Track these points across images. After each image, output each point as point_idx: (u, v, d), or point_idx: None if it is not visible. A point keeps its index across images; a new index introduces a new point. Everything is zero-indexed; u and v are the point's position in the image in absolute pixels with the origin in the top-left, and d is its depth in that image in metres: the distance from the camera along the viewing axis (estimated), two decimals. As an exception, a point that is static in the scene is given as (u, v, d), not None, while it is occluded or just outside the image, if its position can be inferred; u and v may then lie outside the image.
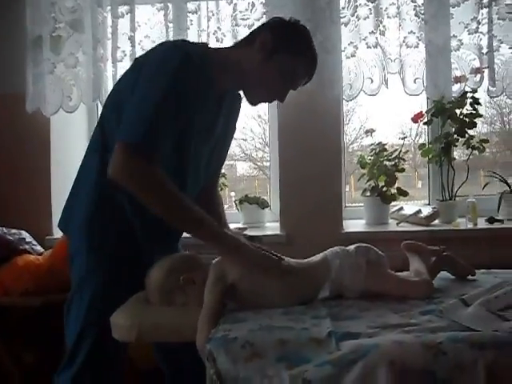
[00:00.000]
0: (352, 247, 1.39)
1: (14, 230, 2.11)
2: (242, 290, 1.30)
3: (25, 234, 2.13)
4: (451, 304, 1.18)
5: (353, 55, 2.31)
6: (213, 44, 2.33)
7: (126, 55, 2.38)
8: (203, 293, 1.29)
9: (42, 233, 2.48)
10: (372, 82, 2.30)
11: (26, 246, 2.06)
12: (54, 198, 2.54)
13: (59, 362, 1.93)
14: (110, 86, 2.37)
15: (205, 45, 1.53)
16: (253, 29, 1.57)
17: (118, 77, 2.30)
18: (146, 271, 1.41)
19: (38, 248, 2.15)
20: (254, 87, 1.50)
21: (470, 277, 1.51)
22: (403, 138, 2.72)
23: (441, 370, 0.97)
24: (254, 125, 3.11)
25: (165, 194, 1.32)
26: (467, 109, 2.51)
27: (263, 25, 1.55)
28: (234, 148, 3.13)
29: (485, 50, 2.26)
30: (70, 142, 2.67)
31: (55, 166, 2.56)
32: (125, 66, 2.35)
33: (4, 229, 2.08)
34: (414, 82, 2.30)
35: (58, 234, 2.51)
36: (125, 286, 1.44)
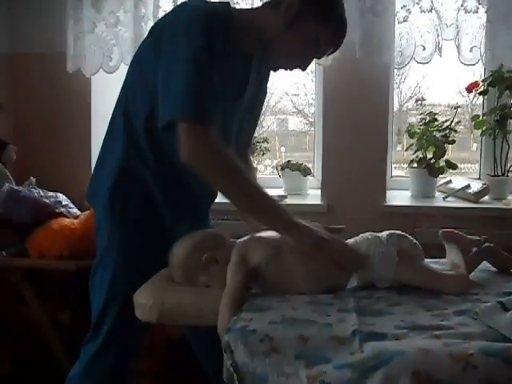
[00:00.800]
0: (384, 234, 1.32)
1: (50, 193, 2.12)
2: (267, 274, 1.26)
3: (61, 197, 2.14)
4: (488, 307, 1.09)
5: (405, 20, 2.16)
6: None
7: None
8: (226, 273, 1.26)
9: (81, 195, 2.51)
10: (424, 49, 2.15)
11: (62, 209, 2.07)
12: (94, 159, 2.54)
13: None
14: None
15: (228, 4, 1.43)
16: None
17: None
18: (170, 246, 1.39)
19: (75, 211, 2.16)
20: (275, 52, 1.41)
21: (513, 270, 1.41)
22: (456, 108, 2.57)
23: (469, 385, 0.90)
24: (306, 80, 2.98)
25: (238, 176, 1.28)
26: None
27: None
28: (285, 103, 3.02)
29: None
30: (109, 103, 2.64)
31: (95, 127, 2.54)
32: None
33: (41, 191, 2.10)
34: (471, 50, 2.14)
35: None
36: (148, 260, 1.43)
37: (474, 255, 1.40)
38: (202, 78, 1.25)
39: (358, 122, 2.38)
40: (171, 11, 1.42)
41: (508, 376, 0.90)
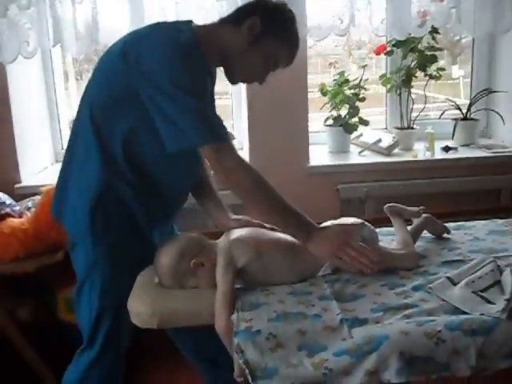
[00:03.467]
0: (348, 223, 1.51)
1: (-8, 195, 2.08)
2: (251, 272, 1.41)
3: (3, 197, 2.11)
4: (440, 283, 1.35)
5: (322, -6, 2.29)
6: None
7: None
8: (213, 274, 1.40)
9: (10, 181, 2.46)
10: (342, 22, 2.30)
11: (8, 209, 2.05)
12: (19, 145, 2.49)
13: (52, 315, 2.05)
14: (70, 28, 2.25)
15: (190, 22, 1.49)
16: (240, 5, 1.53)
17: (78, 19, 2.23)
18: (150, 248, 1.50)
19: (17, 208, 2.14)
20: (236, 68, 1.51)
21: (445, 235, 1.69)
22: (363, 67, 2.77)
23: (441, 356, 1.15)
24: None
25: (266, 188, 1.43)
26: (428, 42, 2.58)
27: (252, 5, 1.49)
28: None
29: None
30: (27, 90, 2.57)
31: (16, 113, 2.46)
32: (85, 7, 2.23)
33: (-18, 195, 2.05)
34: (382, 22, 2.32)
35: (26, 181, 2.51)
36: (133, 267, 1.51)
37: (418, 226, 1.65)
38: (199, 105, 1.34)
39: (278, 89, 2.51)
40: (143, 36, 1.42)
41: (467, 345, 1.16)
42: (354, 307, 1.30)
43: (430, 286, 1.35)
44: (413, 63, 2.64)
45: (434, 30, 2.55)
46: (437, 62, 2.60)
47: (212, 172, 1.39)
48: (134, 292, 1.46)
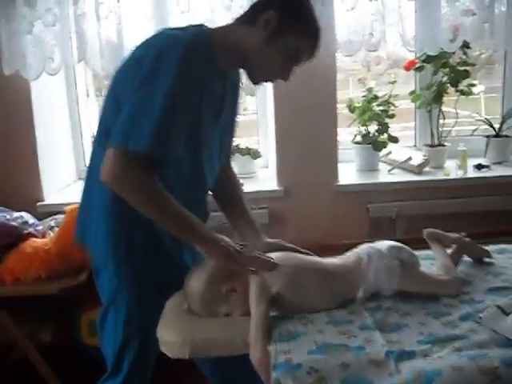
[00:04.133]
0: (384, 247, 1.43)
1: (15, 214, 2.03)
2: (286, 298, 1.34)
3: (26, 216, 2.07)
4: (490, 313, 1.26)
5: (353, 8, 2.23)
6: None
7: (111, 11, 2.20)
8: (246, 300, 1.33)
9: (33, 200, 2.43)
10: (373, 36, 2.24)
11: (30, 229, 2.01)
12: (42, 168, 2.46)
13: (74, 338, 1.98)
14: (95, 44, 2.22)
15: (202, 26, 1.43)
16: (254, 3, 1.44)
17: (103, 35, 2.20)
18: (178, 272, 1.44)
19: (40, 228, 2.10)
20: (256, 67, 1.43)
21: (486, 259, 1.60)
22: (392, 83, 2.71)
23: (498, 395, 1.06)
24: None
25: (157, 207, 1.31)
26: (460, 57, 2.51)
27: (266, 0, 1.40)
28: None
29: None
30: (51, 107, 2.55)
31: (39, 129, 2.43)
32: (109, 23, 2.20)
33: (5, 213, 2.01)
34: (413, 38, 2.26)
35: (49, 199, 2.47)
36: (160, 290, 1.46)
37: (458, 251, 1.57)
38: (167, 118, 1.26)
39: (307, 105, 2.46)
40: (149, 41, 1.37)
41: (528, 383, 1.07)
42: (399, 338, 1.22)
43: (480, 315, 1.27)
44: (444, 79, 2.57)
45: (465, 45, 2.48)
46: (469, 77, 2.53)
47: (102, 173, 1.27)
48: (163, 319, 1.39)
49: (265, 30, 1.36)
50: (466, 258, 1.61)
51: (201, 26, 1.45)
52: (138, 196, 1.29)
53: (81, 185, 2.68)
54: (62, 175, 2.67)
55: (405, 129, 3.08)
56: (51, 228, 2.16)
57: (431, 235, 1.60)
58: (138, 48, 1.39)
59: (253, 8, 1.42)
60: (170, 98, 1.26)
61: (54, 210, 2.34)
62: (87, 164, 2.61)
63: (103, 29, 2.21)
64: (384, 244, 1.45)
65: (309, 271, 1.39)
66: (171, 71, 1.26)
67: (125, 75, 1.36)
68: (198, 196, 1.52)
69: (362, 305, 1.38)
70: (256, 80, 1.48)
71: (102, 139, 1.40)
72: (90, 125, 2.86)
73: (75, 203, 2.06)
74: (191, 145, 1.41)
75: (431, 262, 1.58)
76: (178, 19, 2.24)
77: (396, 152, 2.78)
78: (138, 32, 2.20)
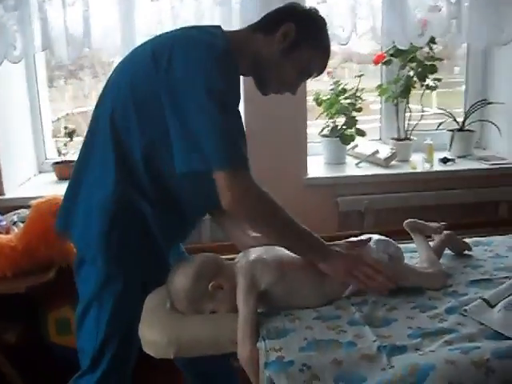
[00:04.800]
0: (372, 242, 1.43)
1: (-22, 211, 1.94)
2: (276, 294, 1.32)
3: (-12, 212, 1.97)
4: (476, 305, 1.28)
5: (324, 1, 2.22)
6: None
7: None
8: (232, 298, 1.30)
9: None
10: (343, 30, 2.24)
11: (-6, 226, 1.92)
12: (1, 156, 2.34)
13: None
14: (61, 32, 2.12)
15: (220, 28, 1.39)
16: (270, 12, 1.43)
17: (69, 22, 2.11)
18: (165, 269, 1.40)
19: (4, 223, 2.00)
20: (268, 78, 1.43)
21: (466, 252, 1.63)
22: (359, 76, 2.72)
23: (491, 387, 1.08)
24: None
25: (279, 216, 1.33)
26: (428, 52, 2.54)
27: (284, 12, 1.41)
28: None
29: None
30: (9, 97, 2.43)
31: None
32: (76, 10, 2.11)
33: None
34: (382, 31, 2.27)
35: (9, 193, 2.36)
36: (146, 288, 1.42)
37: (441, 244, 1.59)
38: (231, 123, 1.24)
39: (276, 98, 2.42)
40: (176, 37, 1.34)
41: (519, 374, 1.09)
42: (390, 333, 1.22)
43: (465, 308, 1.28)
44: (411, 73, 2.60)
45: (431, 40, 2.51)
46: (436, 72, 2.56)
47: (225, 204, 1.26)
48: (145, 318, 1.35)
49: (282, 41, 1.36)
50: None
51: (219, 28, 1.41)
52: (267, 209, 1.31)
53: (42, 179, 2.61)
54: (23, 169, 2.56)
55: (368, 122, 3.10)
56: (14, 223, 2.07)
57: (412, 225, 1.61)
58: (159, 48, 1.31)
59: (269, 17, 1.41)
60: (235, 108, 1.28)
61: (15, 205, 2.25)
62: (48, 157, 2.53)
63: (69, 16, 2.11)
64: (371, 237, 1.45)
65: (297, 265, 1.36)
66: (224, 83, 1.24)
67: (146, 76, 1.29)
68: None
69: (348, 300, 1.37)
70: (266, 90, 1.46)
71: (106, 136, 1.34)
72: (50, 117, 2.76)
73: (38, 197, 2.00)
74: None
75: (410, 254, 1.59)
76: (146, 6, 2.18)
77: (362, 145, 2.80)
78: (105, 20, 2.13)
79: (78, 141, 2.52)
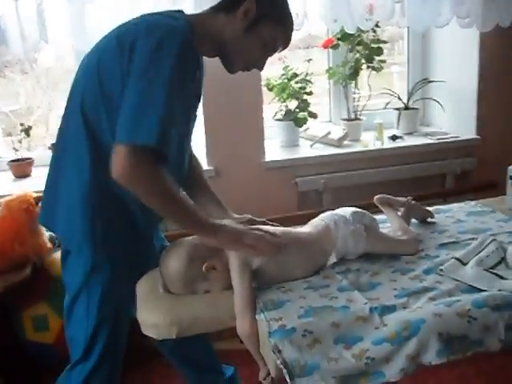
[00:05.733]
0: (348, 214, 1.52)
1: None
2: (268, 270, 1.39)
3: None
4: (450, 264, 1.40)
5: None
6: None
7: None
8: (225, 277, 1.37)
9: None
10: (297, 16, 2.31)
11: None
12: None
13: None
14: (15, 26, 2.07)
15: (182, 13, 1.43)
16: None
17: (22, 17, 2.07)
18: (152, 252, 1.47)
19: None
20: (234, 56, 1.46)
21: (429, 219, 1.76)
22: (308, 61, 2.82)
23: (474, 333, 1.20)
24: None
25: (168, 199, 1.31)
26: (373, 35, 2.67)
27: None
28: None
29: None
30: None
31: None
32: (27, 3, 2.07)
33: None
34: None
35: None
36: (134, 271, 1.46)
37: (406, 213, 1.71)
38: (170, 111, 1.26)
39: (232, 84, 2.47)
40: (138, 23, 1.35)
41: (496, 319, 1.21)
42: (377, 295, 1.32)
43: (441, 268, 1.40)
44: (357, 56, 2.72)
45: (376, 24, 2.64)
46: (383, 53, 2.70)
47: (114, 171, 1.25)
48: (141, 303, 1.39)
49: (244, 20, 1.39)
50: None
51: (181, 12, 1.43)
52: (151, 190, 1.27)
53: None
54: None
55: (317, 105, 3.20)
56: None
57: (382, 200, 1.72)
58: (123, 34, 1.33)
59: None
60: (171, 87, 1.25)
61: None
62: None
63: (22, 9, 2.07)
64: (346, 211, 1.54)
65: (285, 240, 1.44)
66: (172, 59, 1.25)
67: (112, 62, 1.31)
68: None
69: (333, 269, 1.46)
70: (232, 69, 1.50)
71: (78, 125, 1.35)
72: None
73: (7, 195, 1.97)
74: (179, 138, 1.42)
75: (381, 225, 1.70)
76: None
77: (314, 127, 2.90)
78: (60, 13, 2.10)
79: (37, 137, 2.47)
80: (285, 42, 1.49)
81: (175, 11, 1.44)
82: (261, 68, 1.51)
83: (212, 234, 1.37)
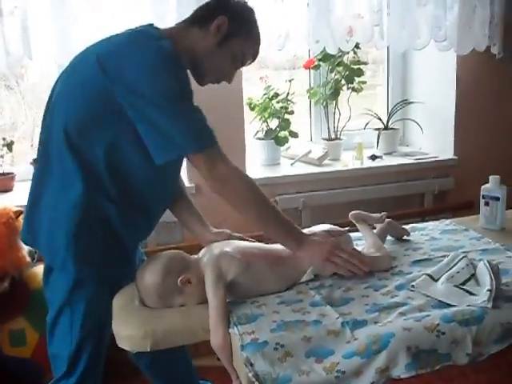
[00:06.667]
0: (322, 230, 1.55)
1: None
2: (242, 284, 1.41)
3: None
4: (421, 280, 1.43)
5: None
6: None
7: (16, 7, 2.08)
8: (200, 291, 1.38)
9: None
10: (280, 37, 2.36)
11: None
12: None
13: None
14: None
15: (156, 28, 1.45)
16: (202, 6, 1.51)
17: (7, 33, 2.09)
18: (131, 268, 1.48)
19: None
20: (206, 70, 1.50)
21: (405, 237, 1.79)
22: (290, 81, 2.86)
23: (442, 347, 1.22)
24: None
25: (260, 196, 1.46)
26: (354, 56, 2.73)
27: (216, 5, 1.48)
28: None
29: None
30: None
31: None
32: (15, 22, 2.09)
33: None
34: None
35: None
36: (117, 285, 1.47)
37: (382, 230, 1.73)
38: (191, 112, 1.35)
39: (215, 103, 2.51)
40: (120, 45, 1.37)
41: (464, 334, 1.24)
42: (349, 310, 1.34)
43: (413, 284, 1.43)
44: (337, 76, 2.77)
45: (356, 45, 2.70)
46: (363, 74, 2.75)
47: (205, 180, 1.40)
48: (117, 315, 1.40)
49: (217, 34, 1.44)
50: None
51: (154, 27, 1.46)
52: (242, 175, 1.46)
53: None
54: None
55: (298, 124, 3.25)
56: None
57: (357, 216, 1.75)
58: (104, 55, 1.35)
59: (202, 11, 1.48)
60: (189, 96, 1.38)
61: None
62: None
63: (7, 26, 2.09)
64: (321, 228, 1.57)
65: (260, 255, 1.46)
66: (171, 77, 1.31)
67: (95, 83, 1.33)
68: None
69: (307, 285, 1.48)
70: (203, 81, 1.54)
71: (60, 143, 1.37)
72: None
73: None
74: None
75: (355, 242, 1.73)
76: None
77: (295, 147, 2.94)
78: (45, 29, 2.13)
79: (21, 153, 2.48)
80: (253, 55, 1.54)
81: (147, 26, 1.47)
82: (230, 81, 1.56)
83: (298, 245, 1.46)
